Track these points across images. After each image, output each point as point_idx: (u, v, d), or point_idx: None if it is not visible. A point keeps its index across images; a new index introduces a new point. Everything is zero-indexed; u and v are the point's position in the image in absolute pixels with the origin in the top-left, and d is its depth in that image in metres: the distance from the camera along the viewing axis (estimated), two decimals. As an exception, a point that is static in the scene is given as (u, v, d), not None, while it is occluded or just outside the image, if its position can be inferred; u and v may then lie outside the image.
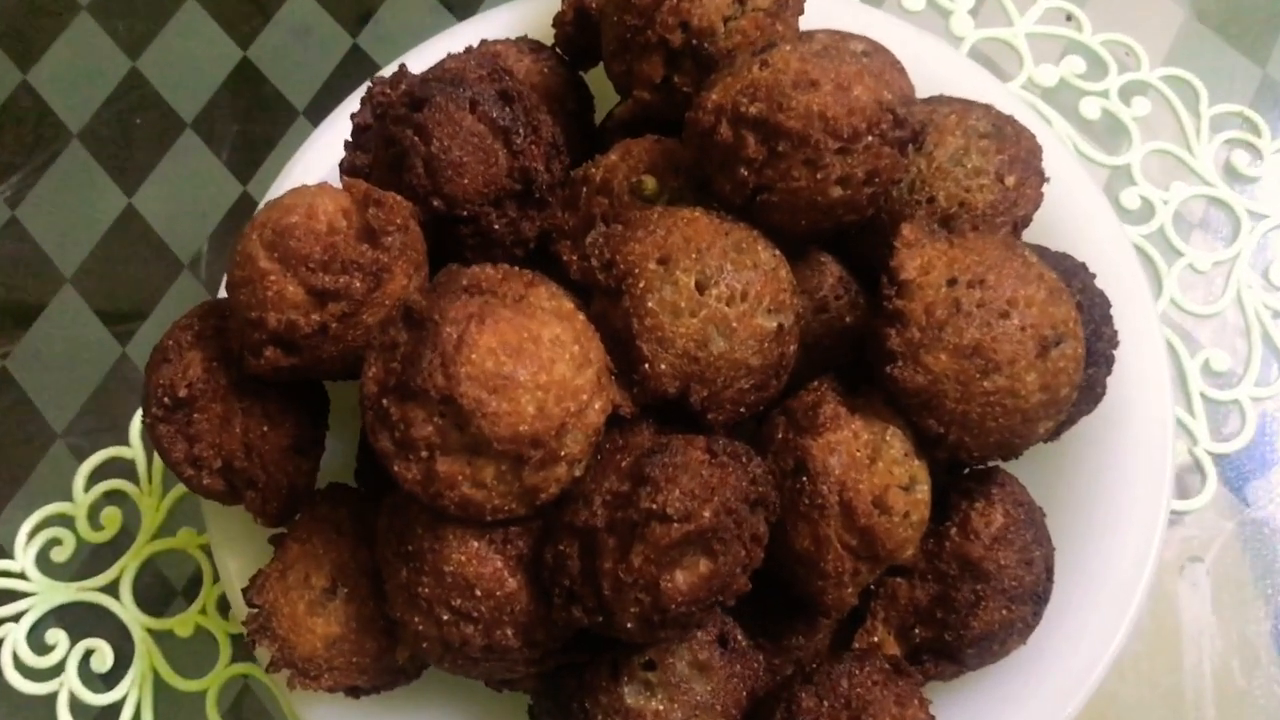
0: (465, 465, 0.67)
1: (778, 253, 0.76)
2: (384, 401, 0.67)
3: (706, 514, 0.65)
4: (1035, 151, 0.84)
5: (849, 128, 0.72)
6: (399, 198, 0.77)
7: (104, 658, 1.03)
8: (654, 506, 0.65)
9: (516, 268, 0.72)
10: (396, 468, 0.68)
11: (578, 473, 0.70)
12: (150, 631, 1.03)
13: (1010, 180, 0.82)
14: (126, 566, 1.05)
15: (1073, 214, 0.92)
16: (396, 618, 0.73)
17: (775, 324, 0.74)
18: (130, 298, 1.14)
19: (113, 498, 1.07)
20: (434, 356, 0.65)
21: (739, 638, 0.77)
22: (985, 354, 0.72)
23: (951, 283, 0.73)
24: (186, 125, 1.20)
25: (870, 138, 0.73)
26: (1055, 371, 0.73)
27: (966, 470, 0.83)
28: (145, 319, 1.13)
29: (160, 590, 1.05)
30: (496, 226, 0.81)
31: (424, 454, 0.67)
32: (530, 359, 0.66)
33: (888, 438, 0.75)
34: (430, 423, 0.66)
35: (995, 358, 0.72)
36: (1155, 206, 1.12)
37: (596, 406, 0.69)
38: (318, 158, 0.96)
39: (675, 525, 0.65)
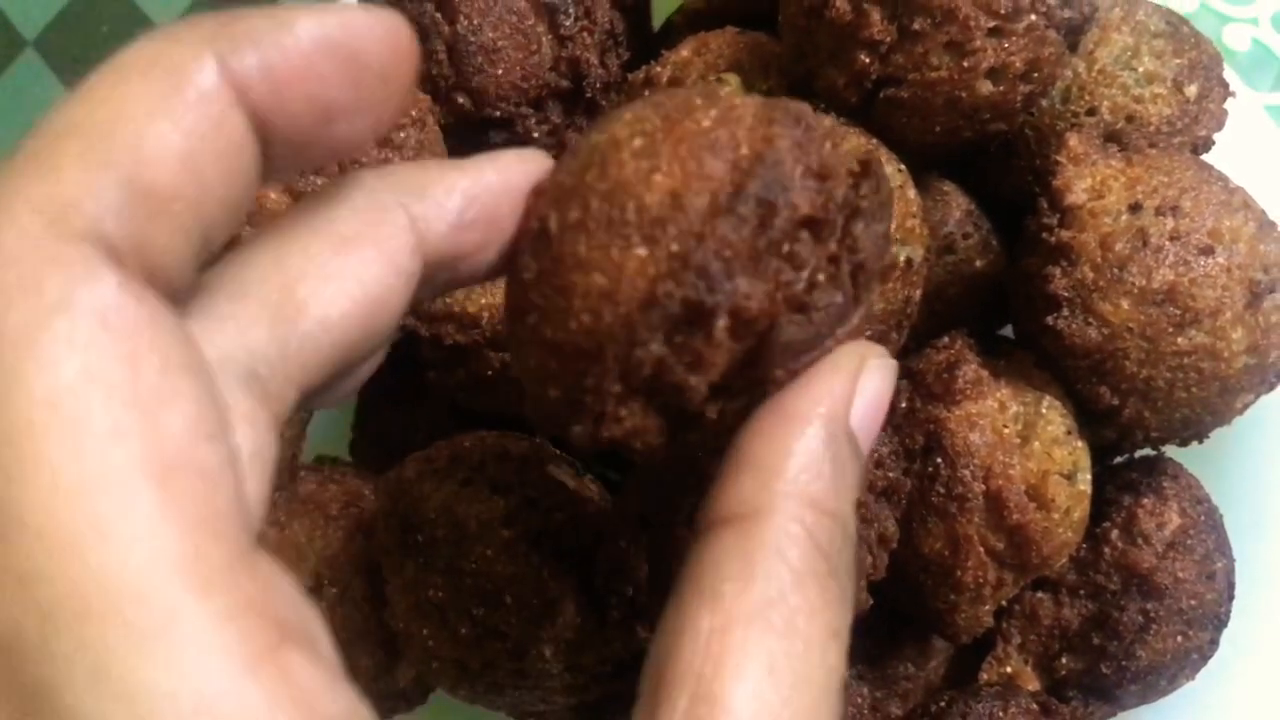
0: None
1: (903, 168, 0.60)
2: None
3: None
4: (1217, 59, 0.68)
5: (1008, 1, 0.56)
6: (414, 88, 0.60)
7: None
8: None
9: None
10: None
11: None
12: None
13: (1191, 91, 0.65)
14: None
15: (1240, 146, 0.74)
16: (399, 629, 0.59)
17: (902, 258, 0.58)
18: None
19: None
20: None
21: (839, 665, 0.60)
22: (1181, 301, 0.56)
23: (1134, 208, 0.57)
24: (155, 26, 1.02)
25: (1033, 16, 0.57)
26: (1266, 328, 0.58)
27: (1122, 458, 0.66)
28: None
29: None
30: (535, 135, 0.66)
31: None
32: None
33: (1044, 410, 0.59)
34: None
35: (1194, 306, 0.56)
36: (1308, 158, 0.95)
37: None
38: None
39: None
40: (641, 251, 0.30)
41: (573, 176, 0.32)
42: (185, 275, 0.26)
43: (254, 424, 0.27)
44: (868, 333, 0.57)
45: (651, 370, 0.30)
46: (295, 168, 0.29)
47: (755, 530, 0.29)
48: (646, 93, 0.67)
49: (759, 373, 0.31)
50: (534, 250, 0.32)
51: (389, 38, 0.29)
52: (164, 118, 0.25)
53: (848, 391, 0.32)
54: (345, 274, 0.29)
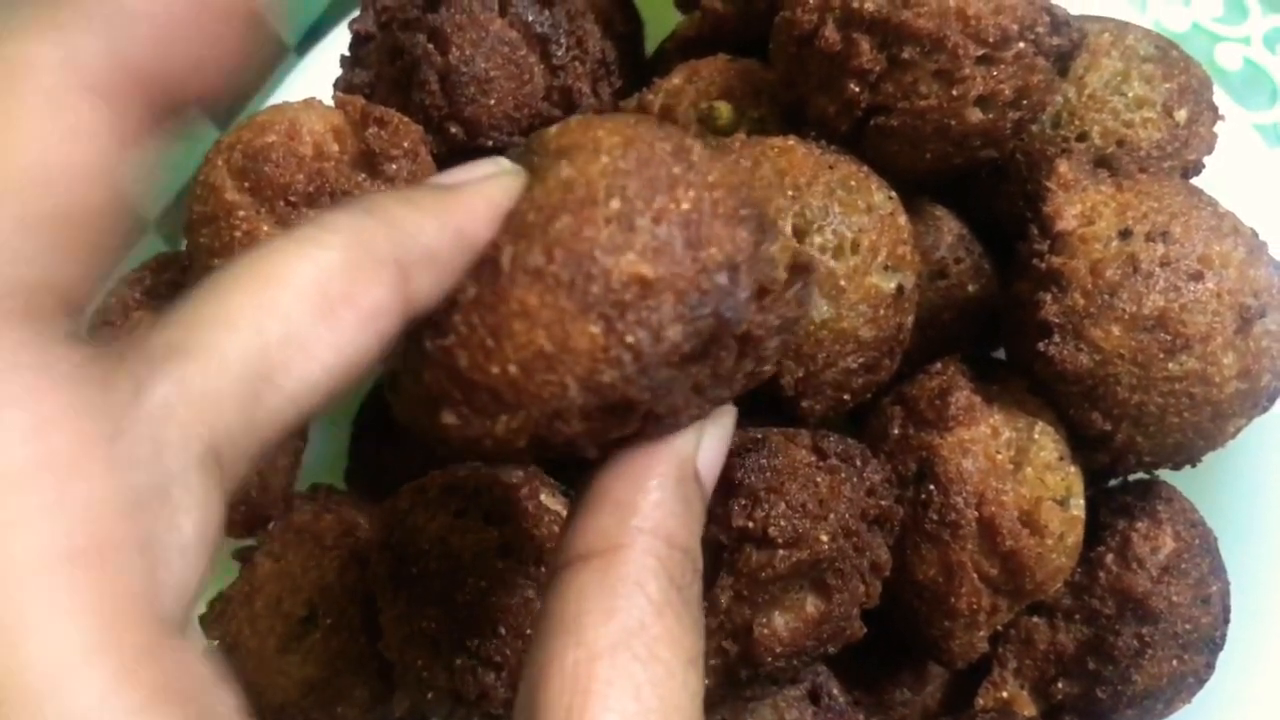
0: None
1: (893, 195, 0.60)
2: None
3: (823, 537, 0.49)
4: (1206, 83, 0.68)
5: (996, 30, 0.56)
6: (407, 119, 0.61)
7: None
8: (750, 525, 0.49)
9: None
10: None
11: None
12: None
13: (1180, 115, 0.65)
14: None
15: (1233, 168, 0.74)
16: (394, 659, 0.58)
17: (894, 285, 0.58)
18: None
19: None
20: None
21: (834, 692, 0.61)
22: (1172, 327, 0.55)
23: (1125, 234, 0.57)
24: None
25: (1021, 44, 0.57)
26: (1257, 353, 0.57)
27: (1116, 482, 0.66)
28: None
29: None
30: (529, 163, 0.64)
31: None
32: None
33: (1036, 436, 0.58)
34: None
35: (1185, 332, 0.55)
36: (1304, 176, 0.95)
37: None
38: (311, 90, 0.79)
39: (781, 552, 0.48)
40: (595, 329, 0.29)
41: (539, 215, 0.31)
42: (88, 292, 0.25)
43: (205, 506, 0.25)
44: (860, 360, 0.58)
45: (564, 441, 0.31)
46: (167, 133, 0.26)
47: (614, 564, 0.30)
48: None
49: (638, 430, 0.32)
50: (476, 273, 0.31)
51: None
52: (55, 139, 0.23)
53: (697, 437, 0.34)
54: (325, 343, 0.27)
